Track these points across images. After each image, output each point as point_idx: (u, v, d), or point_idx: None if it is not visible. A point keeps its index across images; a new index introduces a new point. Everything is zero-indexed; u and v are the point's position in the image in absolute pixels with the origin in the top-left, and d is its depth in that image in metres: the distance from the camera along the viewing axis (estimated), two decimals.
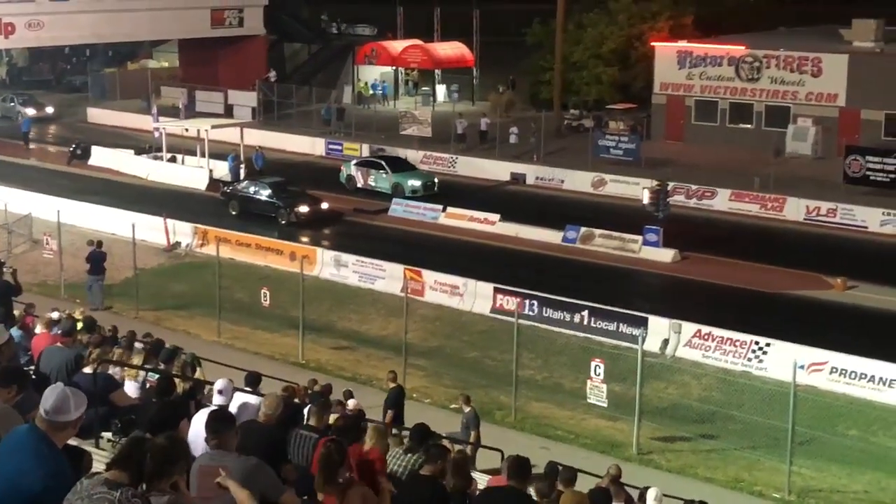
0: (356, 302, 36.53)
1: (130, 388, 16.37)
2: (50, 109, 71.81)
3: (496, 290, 34.72)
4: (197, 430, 10.90)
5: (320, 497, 9.76)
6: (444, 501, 10.72)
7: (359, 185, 51.34)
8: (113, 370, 15.82)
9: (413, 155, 55.34)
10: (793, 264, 39.09)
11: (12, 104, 69.12)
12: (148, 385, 16.43)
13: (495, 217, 44.81)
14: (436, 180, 51.10)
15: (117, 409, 13.59)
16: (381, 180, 50.63)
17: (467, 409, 23.23)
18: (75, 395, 7.27)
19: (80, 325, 19.46)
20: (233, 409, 12.80)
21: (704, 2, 68.62)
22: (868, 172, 46.98)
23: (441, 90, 75.84)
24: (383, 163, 51.75)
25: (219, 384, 12.89)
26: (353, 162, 53.47)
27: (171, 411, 11.50)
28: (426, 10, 76.90)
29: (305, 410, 14.27)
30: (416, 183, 50.27)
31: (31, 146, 62.98)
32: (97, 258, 35.73)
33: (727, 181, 48.37)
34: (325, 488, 9.57)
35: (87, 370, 14.13)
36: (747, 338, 30.01)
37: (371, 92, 74.84)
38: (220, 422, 9.12)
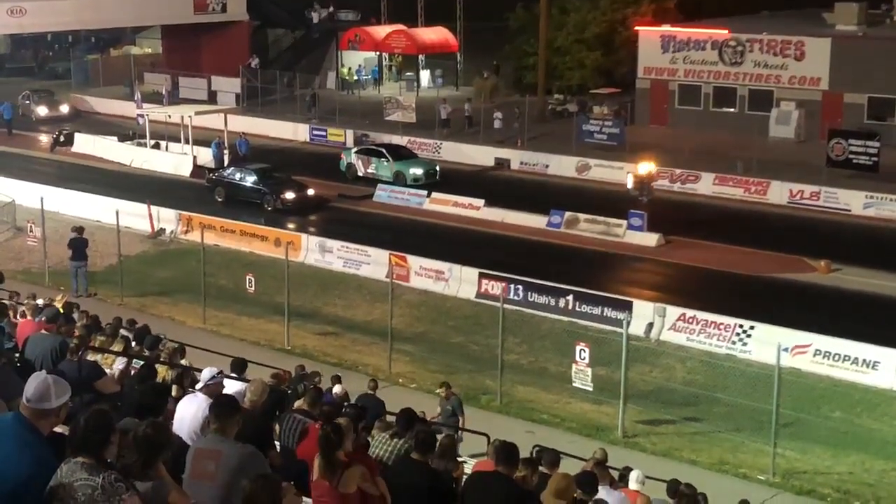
0: (341, 288, 36.46)
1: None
2: (65, 108, 68.24)
3: (481, 276, 34.73)
4: (182, 415, 10.97)
5: (316, 479, 9.82)
6: (437, 485, 10.83)
7: (359, 174, 50.98)
8: (94, 357, 15.78)
9: (397, 141, 55.18)
10: (776, 247, 39.14)
11: (27, 102, 67.62)
12: (132, 372, 16.35)
13: (480, 202, 44.80)
14: (437, 168, 50.82)
15: (102, 397, 13.45)
16: (382, 168, 50.30)
17: (452, 398, 23.13)
18: (57, 384, 7.20)
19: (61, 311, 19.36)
20: None
21: None
22: (851, 156, 46.95)
23: (425, 75, 75.71)
24: (384, 150, 51.35)
25: (206, 372, 12.79)
26: (354, 150, 53.11)
27: (154, 397, 11.48)
28: None
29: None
30: (418, 171, 49.96)
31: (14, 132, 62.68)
32: (78, 245, 35.58)
33: (711, 165, 48.44)
34: (325, 472, 9.65)
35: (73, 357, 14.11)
36: (731, 321, 30.04)
37: (355, 78, 74.74)
38: (224, 407, 9.04)
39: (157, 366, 16.08)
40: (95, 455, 6.86)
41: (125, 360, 16.57)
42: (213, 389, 11.88)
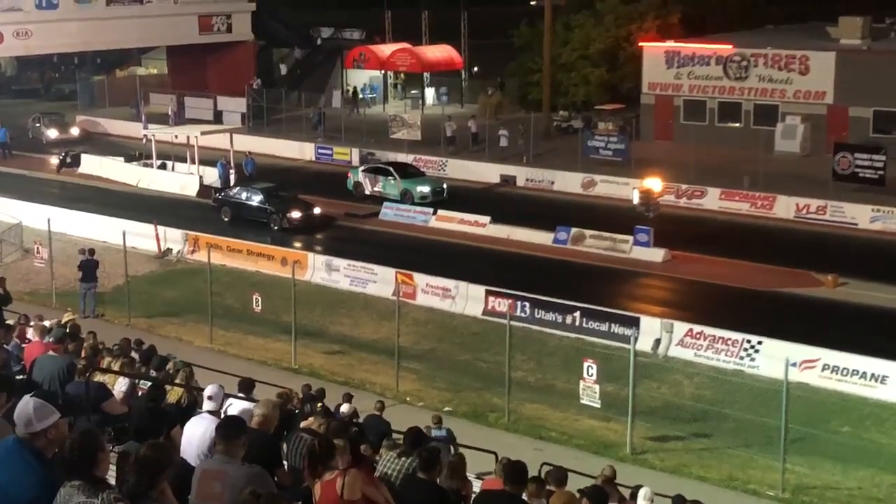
0: (348, 306, 36.44)
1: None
2: (75, 131, 67.24)
3: (488, 293, 34.64)
4: (189, 436, 10.95)
5: (314, 484, 9.89)
6: (445, 503, 10.85)
7: (367, 192, 50.90)
8: (101, 378, 15.69)
9: (402, 158, 55.20)
10: (783, 262, 39.00)
11: (38, 125, 67.27)
12: (140, 393, 16.31)
13: (486, 219, 44.67)
14: (445, 186, 50.69)
15: (110, 418, 13.54)
16: (389, 187, 50.18)
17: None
18: (38, 408, 7.29)
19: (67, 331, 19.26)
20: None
21: (691, 1, 68.61)
22: (857, 169, 46.69)
23: (430, 93, 75.79)
24: (391, 169, 51.26)
25: (208, 390, 12.88)
26: (361, 169, 52.97)
27: (150, 420, 11.47)
28: (414, 14, 76.90)
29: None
30: (425, 189, 49.84)
31: (14, 153, 62.43)
32: (89, 266, 35.73)
33: (717, 180, 48.35)
34: (311, 478, 9.76)
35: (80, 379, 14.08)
36: (739, 336, 29.94)
37: (361, 96, 74.84)
38: (229, 429, 9.09)
39: (170, 387, 16.16)
40: (87, 475, 6.89)
41: (128, 381, 16.49)
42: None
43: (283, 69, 79.60)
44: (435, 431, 21.55)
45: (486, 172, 55.05)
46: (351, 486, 9.88)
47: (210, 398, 12.61)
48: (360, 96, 74.72)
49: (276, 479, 9.88)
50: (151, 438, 9.09)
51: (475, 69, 72.97)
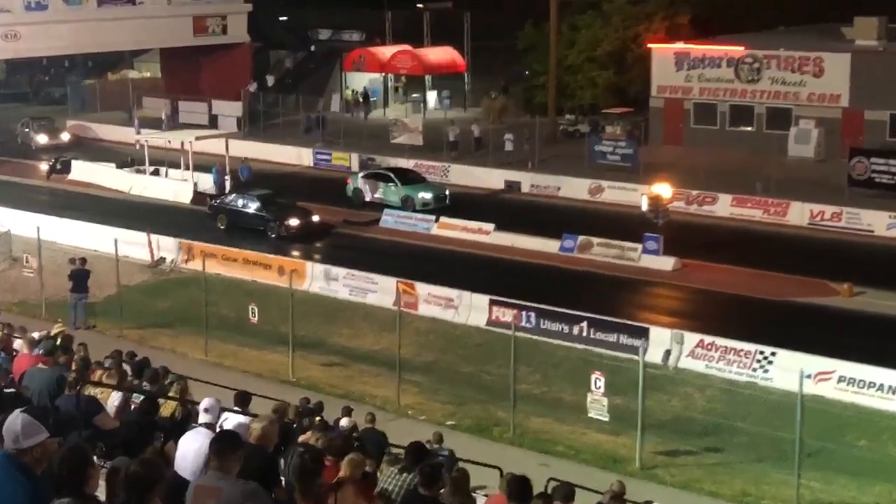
0: (347, 316, 36.39)
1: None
2: (66, 136, 67.22)
3: (492, 303, 34.57)
4: (184, 451, 10.80)
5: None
6: None
7: (366, 199, 50.57)
8: (93, 392, 15.77)
9: (404, 164, 55.01)
10: (797, 271, 38.76)
11: (27, 130, 67.42)
12: (133, 407, 16.24)
13: (490, 227, 44.58)
14: (447, 192, 50.46)
15: (101, 433, 13.60)
16: (390, 193, 49.86)
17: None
18: (26, 426, 7.32)
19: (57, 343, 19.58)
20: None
21: (700, 1, 68.01)
22: (873, 175, 46.74)
23: (432, 97, 75.25)
24: (392, 175, 51.03)
25: (205, 403, 12.90)
26: (361, 174, 52.86)
27: (138, 432, 11.26)
28: (415, 15, 76.49)
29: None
30: (427, 195, 49.54)
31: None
32: (80, 276, 35.64)
33: (728, 186, 48.15)
34: (304, 498, 9.82)
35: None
36: (752, 347, 29.82)
37: (361, 100, 74.33)
38: (223, 443, 8.84)
39: (164, 401, 16.33)
40: (76, 492, 6.93)
41: (121, 394, 16.52)
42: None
43: (271, 80, 79.14)
44: None
45: (490, 178, 54.98)
46: (343, 499, 10.10)
47: (206, 410, 12.67)
48: (371, 98, 73.99)
49: (273, 495, 9.88)
50: (139, 451, 9.46)
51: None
